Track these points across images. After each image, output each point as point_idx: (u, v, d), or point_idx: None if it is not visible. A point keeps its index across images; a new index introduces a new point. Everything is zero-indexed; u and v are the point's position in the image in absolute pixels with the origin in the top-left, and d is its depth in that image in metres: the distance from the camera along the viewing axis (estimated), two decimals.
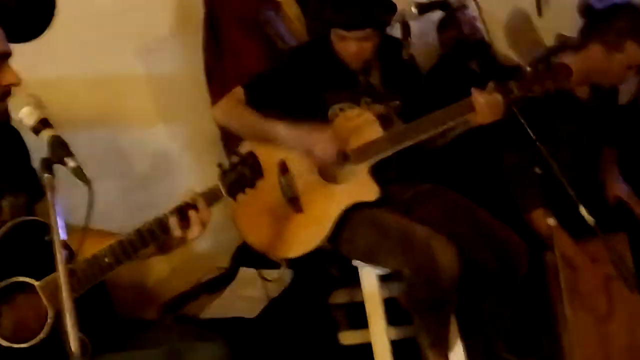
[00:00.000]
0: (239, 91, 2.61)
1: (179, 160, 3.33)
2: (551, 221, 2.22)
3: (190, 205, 1.86)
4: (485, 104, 2.37)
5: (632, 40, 2.62)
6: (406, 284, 2.38)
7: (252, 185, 2.03)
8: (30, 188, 1.91)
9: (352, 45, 2.52)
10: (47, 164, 1.48)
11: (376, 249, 2.43)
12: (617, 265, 2.16)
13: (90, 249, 1.73)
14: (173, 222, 1.83)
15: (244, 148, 2.39)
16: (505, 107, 2.37)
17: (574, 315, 2.22)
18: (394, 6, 2.54)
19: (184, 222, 1.85)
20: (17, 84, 1.75)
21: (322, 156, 2.45)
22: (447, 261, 2.28)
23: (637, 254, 2.67)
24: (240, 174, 2.00)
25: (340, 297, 2.81)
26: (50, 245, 1.58)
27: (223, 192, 1.97)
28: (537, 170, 2.21)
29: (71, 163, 1.51)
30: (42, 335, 1.68)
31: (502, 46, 4.16)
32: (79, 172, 1.50)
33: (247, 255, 2.89)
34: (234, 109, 2.59)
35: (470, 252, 2.39)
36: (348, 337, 2.77)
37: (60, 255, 1.42)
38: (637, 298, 2.34)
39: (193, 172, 3.31)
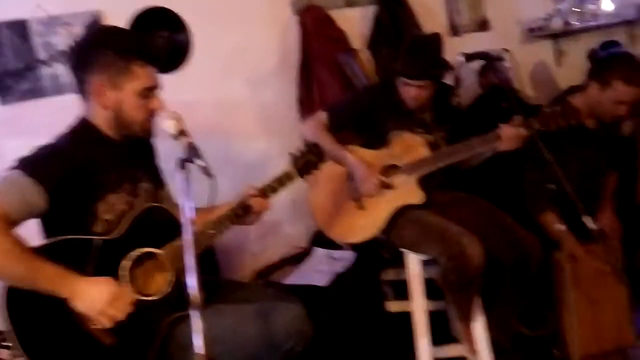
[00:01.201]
0: (322, 115, 2.61)
1: (273, 165, 3.14)
2: (560, 226, 2.14)
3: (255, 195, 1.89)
4: (509, 135, 2.33)
5: (620, 80, 2.49)
6: (442, 269, 2.33)
7: (317, 167, 2.02)
8: (156, 179, 1.96)
9: (412, 91, 2.48)
10: (183, 162, 1.50)
11: (420, 241, 2.39)
12: (612, 264, 2.07)
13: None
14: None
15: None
16: (527, 138, 2.31)
17: (574, 298, 2.16)
18: (449, 64, 2.51)
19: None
20: (161, 109, 1.79)
21: (366, 191, 2.46)
22: (475, 254, 2.23)
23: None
24: (307, 160, 1.99)
25: (389, 274, 2.75)
26: (169, 222, 1.69)
27: (294, 175, 1.96)
28: (552, 186, 2.14)
29: (200, 162, 1.53)
30: (166, 290, 1.72)
31: (529, 90, 4.09)
32: (205, 170, 1.53)
33: (320, 239, 2.87)
34: (317, 131, 2.56)
35: (493, 247, 2.32)
36: (393, 306, 2.73)
37: (189, 228, 1.43)
38: (621, 287, 2.26)
39: None
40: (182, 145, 1.57)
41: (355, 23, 3.50)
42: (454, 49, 3.86)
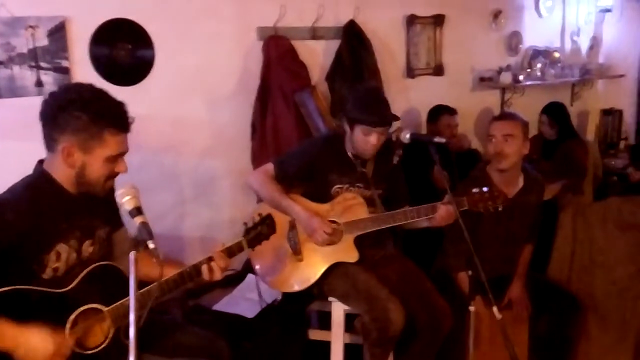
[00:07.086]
0: (269, 167, 2.66)
1: (219, 184, 3.41)
2: (472, 308, 2.33)
3: (214, 259, 1.92)
4: (444, 212, 2.46)
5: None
6: (364, 325, 2.46)
7: (267, 238, 2.10)
8: (114, 221, 1.98)
9: (373, 138, 2.51)
10: (135, 243, 1.58)
11: (349, 295, 2.54)
12: (508, 349, 2.26)
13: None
14: (204, 268, 1.90)
15: (264, 209, 2.49)
16: (456, 216, 2.37)
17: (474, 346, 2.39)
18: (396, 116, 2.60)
19: (210, 269, 1.91)
20: (124, 172, 1.84)
21: (316, 242, 2.56)
22: (397, 318, 2.38)
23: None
24: (259, 232, 2.06)
25: (314, 305, 2.85)
26: (116, 279, 1.76)
27: (245, 247, 2.03)
28: (469, 272, 2.33)
29: (151, 245, 1.58)
30: (104, 344, 1.79)
31: (471, 134, 4.34)
32: (155, 253, 1.57)
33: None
34: (264, 183, 2.63)
35: (410, 308, 2.48)
36: (314, 334, 2.85)
37: (133, 302, 1.45)
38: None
39: (228, 194, 3.42)
40: (136, 224, 1.62)
41: (318, 55, 3.60)
42: (407, 90, 4.04)
